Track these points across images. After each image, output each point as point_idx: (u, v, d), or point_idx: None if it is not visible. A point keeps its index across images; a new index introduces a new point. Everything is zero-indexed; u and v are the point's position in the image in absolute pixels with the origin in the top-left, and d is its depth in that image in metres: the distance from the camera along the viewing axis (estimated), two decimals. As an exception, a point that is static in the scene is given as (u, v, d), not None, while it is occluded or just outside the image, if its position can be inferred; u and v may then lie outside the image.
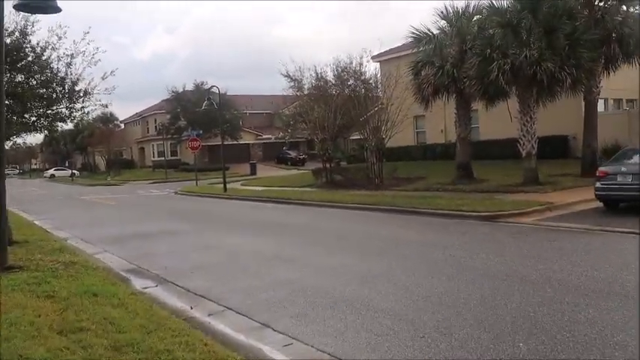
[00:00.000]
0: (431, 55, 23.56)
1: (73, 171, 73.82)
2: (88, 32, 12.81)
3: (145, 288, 8.53)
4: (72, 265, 9.55)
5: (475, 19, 22.66)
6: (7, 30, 11.46)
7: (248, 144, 66.09)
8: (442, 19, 23.40)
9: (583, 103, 22.69)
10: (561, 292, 6.99)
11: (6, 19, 11.10)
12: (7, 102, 11.66)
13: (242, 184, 34.58)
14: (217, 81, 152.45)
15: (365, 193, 22.14)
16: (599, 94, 22.23)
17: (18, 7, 8.87)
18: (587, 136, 22.07)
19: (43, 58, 12.58)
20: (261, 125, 69.85)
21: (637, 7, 21.51)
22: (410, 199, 17.95)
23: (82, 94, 13.15)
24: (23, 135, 14.65)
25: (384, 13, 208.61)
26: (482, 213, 14.30)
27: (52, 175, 76.87)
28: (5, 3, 8.80)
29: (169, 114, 61.37)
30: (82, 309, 6.65)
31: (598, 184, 14.10)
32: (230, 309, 7.17)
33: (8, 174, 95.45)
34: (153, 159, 66.43)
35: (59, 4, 8.43)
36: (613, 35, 20.43)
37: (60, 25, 12.50)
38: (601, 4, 21.27)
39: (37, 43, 12.40)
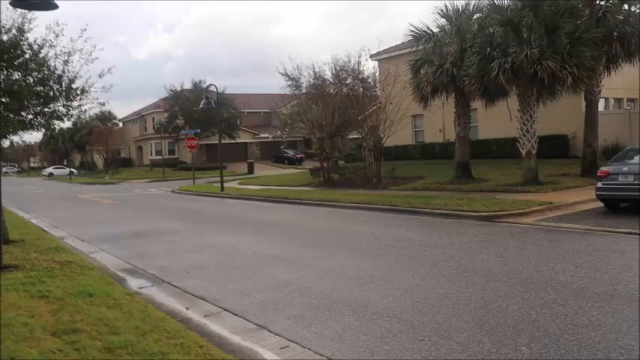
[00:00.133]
0: (430, 53, 23.51)
1: (72, 169, 73.64)
2: (85, 29, 12.66)
3: (141, 288, 8.43)
4: (68, 264, 9.47)
5: (475, 17, 22.60)
6: (4, 27, 11.35)
7: (246, 143, 66.01)
8: (442, 17, 23.30)
9: (583, 102, 22.62)
10: (564, 294, 6.88)
11: (3, 16, 11.00)
12: (3, 100, 11.56)
13: (239, 183, 34.47)
14: (215, 80, 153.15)
15: (363, 192, 22.03)
16: (600, 93, 22.14)
17: (15, 4, 8.75)
18: (587, 136, 21.98)
19: (41, 55, 12.43)
20: (259, 124, 69.82)
21: (639, 6, 21.40)
22: (408, 199, 17.84)
23: (79, 92, 13.00)
24: (20, 133, 14.47)
25: (383, 12, 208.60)
26: (481, 213, 14.19)
27: (51, 174, 76.63)
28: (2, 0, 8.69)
29: (167, 113, 61.25)
30: (77, 309, 6.57)
31: (599, 184, 13.99)
32: (226, 310, 7.07)
33: (7, 172, 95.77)
34: (151, 157, 66.31)
35: (56, 1, 8.31)
36: (615, 34, 20.33)
37: (57, 23, 12.37)
38: (602, 2, 21.17)
39: (35, 41, 12.25)
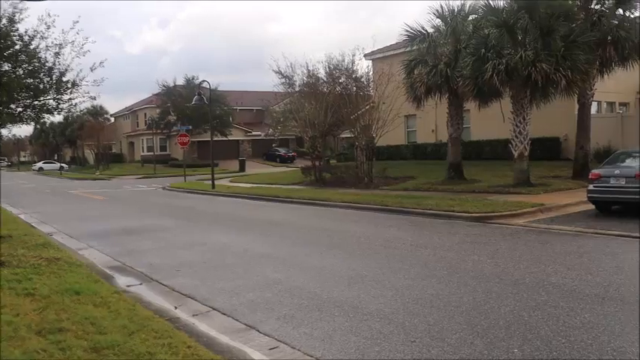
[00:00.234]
0: (424, 53, 23.46)
1: (62, 164, 73.15)
2: (77, 21, 12.48)
3: (129, 286, 8.32)
4: (55, 261, 9.33)
5: (470, 18, 22.56)
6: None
7: (237, 140, 65.84)
8: (437, 17, 23.25)
9: (576, 105, 22.65)
10: (556, 296, 6.85)
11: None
12: (-7, 92, 11.37)
13: (231, 181, 34.32)
14: (209, 76, 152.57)
15: (354, 191, 21.98)
16: (592, 97, 22.19)
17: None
18: (579, 139, 22.03)
19: (31, 47, 12.25)
20: (251, 121, 69.60)
21: (633, 11, 21.45)
22: (399, 199, 17.81)
23: (70, 85, 12.83)
24: (9, 126, 14.26)
25: (383, 12, 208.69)
26: (473, 214, 14.17)
27: (41, 169, 76.12)
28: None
29: (159, 108, 60.96)
30: (63, 308, 6.45)
31: (591, 187, 14.02)
32: (215, 309, 6.98)
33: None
34: (142, 154, 65.98)
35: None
36: (609, 38, 20.37)
37: (49, 14, 12.19)
38: (597, 6, 21.19)
39: (26, 32, 12.08)
